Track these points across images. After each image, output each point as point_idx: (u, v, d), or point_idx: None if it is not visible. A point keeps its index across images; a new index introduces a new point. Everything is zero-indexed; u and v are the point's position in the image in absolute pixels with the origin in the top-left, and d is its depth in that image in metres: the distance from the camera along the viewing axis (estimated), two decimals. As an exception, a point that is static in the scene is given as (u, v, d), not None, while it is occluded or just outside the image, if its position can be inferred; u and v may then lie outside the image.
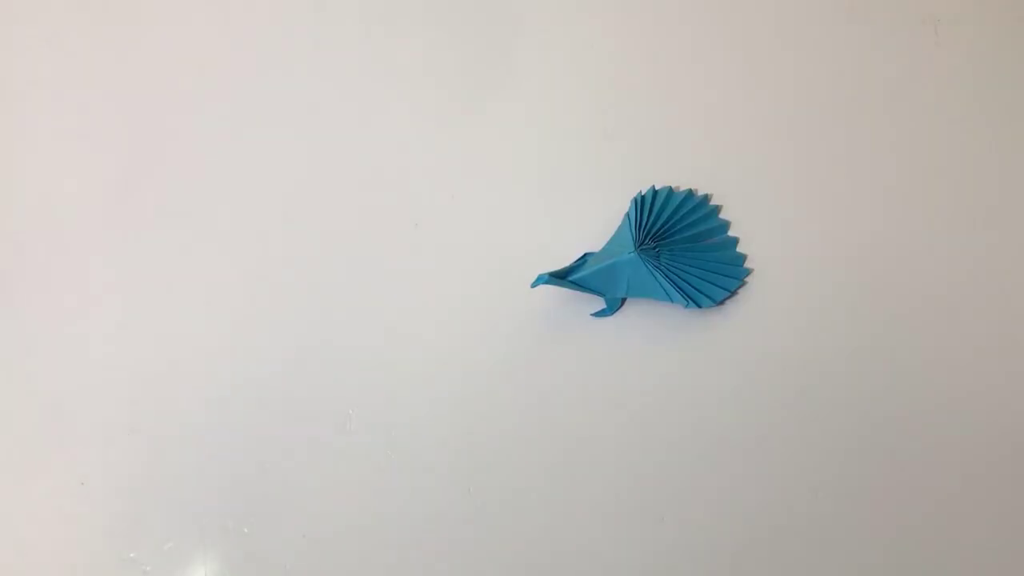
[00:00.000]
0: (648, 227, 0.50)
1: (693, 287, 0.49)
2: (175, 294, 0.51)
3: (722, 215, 0.53)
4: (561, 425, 0.49)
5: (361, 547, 0.48)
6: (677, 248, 0.51)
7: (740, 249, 0.52)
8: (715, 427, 0.49)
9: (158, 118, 0.54)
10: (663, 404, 0.49)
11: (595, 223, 0.51)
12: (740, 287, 0.51)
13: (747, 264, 0.52)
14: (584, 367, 0.50)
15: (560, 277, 0.47)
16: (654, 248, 0.50)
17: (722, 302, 0.50)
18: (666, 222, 0.51)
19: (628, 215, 0.51)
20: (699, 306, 0.49)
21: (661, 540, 0.48)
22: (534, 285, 0.46)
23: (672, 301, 0.49)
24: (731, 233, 0.53)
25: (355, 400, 0.50)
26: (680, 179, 0.53)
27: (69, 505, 0.48)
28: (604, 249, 0.51)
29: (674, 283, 0.49)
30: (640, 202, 0.51)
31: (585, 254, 0.50)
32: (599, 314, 0.50)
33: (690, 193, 0.53)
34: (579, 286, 0.48)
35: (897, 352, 0.49)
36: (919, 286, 0.50)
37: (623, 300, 0.51)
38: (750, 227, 0.52)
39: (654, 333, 0.50)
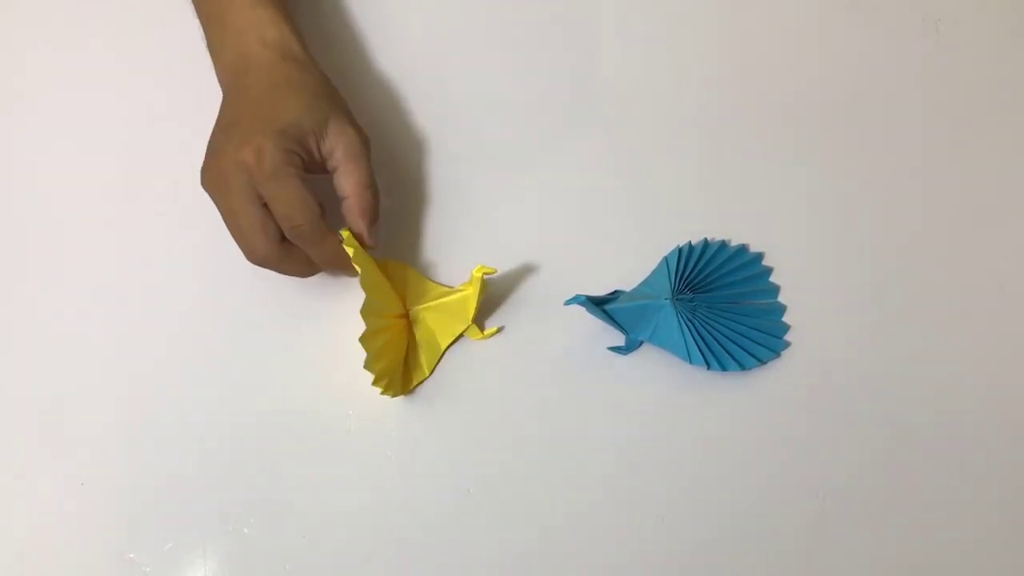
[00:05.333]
0: (688, 277, 0.49)
1: (724, 349, 0.48)
2: (175, 293, 0.51)
3: (773, 277, 0.51)
4: (561, 427, 0.49)
5: (361, 547, 0.48)
6: (716, 305, 0.49)
7: (786, 318, 0.50)
8: (716, 442, 0.49)
9: (162, 116, 0.54)
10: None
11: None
12: (773, 358, 0.50)
13: (788, 335, 0.50)
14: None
15: (595, 303, 0.46)
16: (691, 300, 0.49)
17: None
18: (710, 274, 0.49)
19: (667, 260, 0.50)
20: (724, 369, 0.48)
21: (661, 540, 0.48)
22: (568, 303, 0.46)
23: (691, 363, 0.47)
24: (780, 299, 0.51)
25: (355, 400, 0.50)
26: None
27: (69, 505, 0.48)
28: (637, 289, 0.50)
29: (702, 341, 0.47)
30: (685, 251, 0.50)
31: (616, 290, 0.49)
32: (615, 349, 0.50)
33: (742, 248, 0.51)
34: (609, 316, 0.47)
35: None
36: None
37: (642, 342, 0.50)
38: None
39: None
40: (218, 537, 0.48)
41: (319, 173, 0.47)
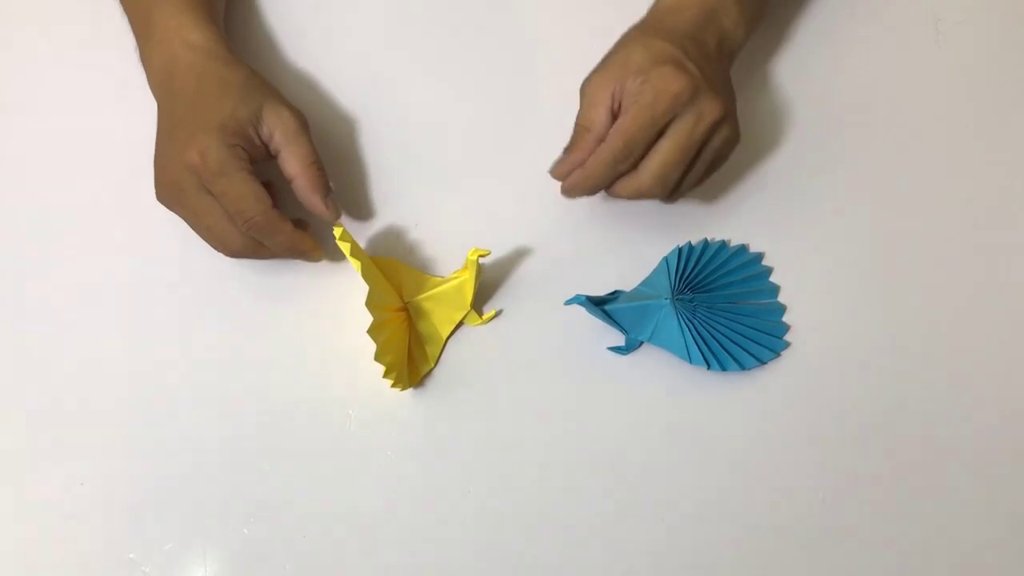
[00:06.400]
0: (688, 277, 0.49)
1: (724, 349, 0.48)
2: (175, 294, 0.51)
3: (774, 277, 0.51)
4: (561, 427, 0.49)
5: (361, 547, 0.48)
6: (717, 306, 0.49)
7: (785, 318, 0.50)
8: (716, 442, 0.49)
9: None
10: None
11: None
12: (773, 358, 0.50)
13: (788, 335, 0.50)
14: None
15: (595, 303, 0.46)
16: (691, 300, 0.49)
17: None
18: (710, 274, 0.49)
19: (667, 260, 0.50)
20: (724, 369, 0.48)
21: (661, 540, 0.48)
22: (568, 303, 0.46)
23: (691, 363, 0.47)
24: (780, 299, 0.51)
25: (355, 400, 0.50)
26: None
27: (69, 505, 0.48)
28: (637, 289, 0.50)
29: (701, 341, 0.47)
30: (685, 251, 0.50)
31: (616, 290, 0.49)
32: (615, 349, 0.50)
33: (742, 248, 0.51)
34: (609, 317, 0.47)
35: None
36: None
37: (642, 342, 0.50)
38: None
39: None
40: (218, 537, 0.48)
41: (265, 160, 0.48)
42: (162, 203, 0.47)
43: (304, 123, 0.48)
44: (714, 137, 0.44)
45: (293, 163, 0.47)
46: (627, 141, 0.43)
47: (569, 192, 0.47)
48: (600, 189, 0.46)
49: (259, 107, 0.46)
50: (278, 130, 0.47)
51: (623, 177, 0.45)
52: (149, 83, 0.49)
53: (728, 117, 0.44)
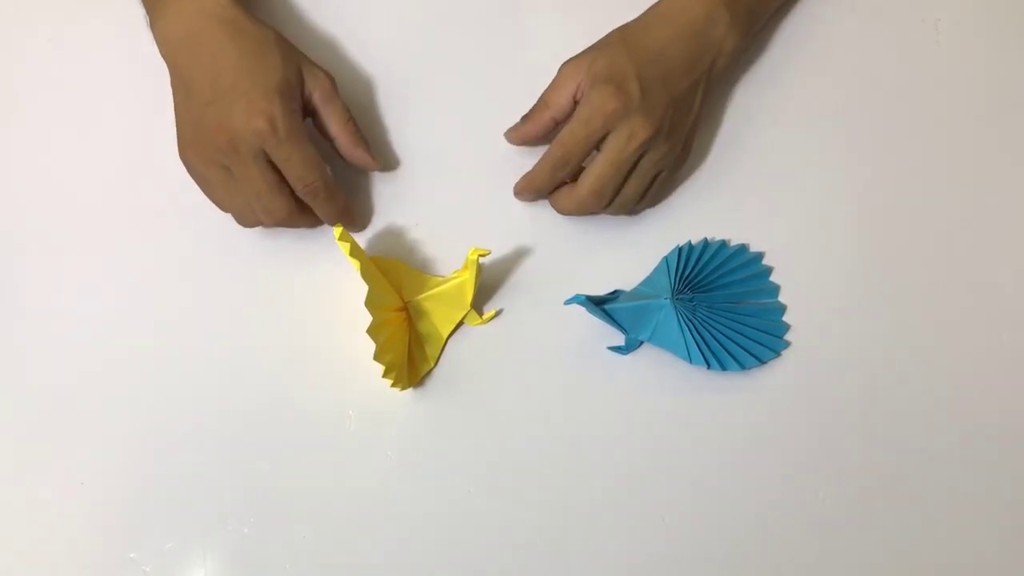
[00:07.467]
0: (688, 277, 0.49)
1: (724, 348, 0.48)
2: (175, 295, 0.51)
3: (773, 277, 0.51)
4: (561, 427, 0.49)
5: (361, 547, 0.48)
6: (717, 305, 0.49)
7: (786, 318, 0.50)
8: (716, 442, 0.49)
9: (163, 115, 0.54)
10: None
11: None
12: (774, 358, 0.50)
13: (788, 335, 0.50)
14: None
15: (595, 303, 0.46)
16: (691, 300, 0.49)
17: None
18: (710, 274, 0.49)
19: (667, 260, 0.50)
20: (724, 369, 0.48)
21: (661, 540, 0.48)
22: (568, 303, 0.46)
23: (691, 363, 0.47)
24: (780, 299, 0.51)
25: (355, 400, 0.50)
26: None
27: (69, 505, 0.48)
28: (636, 289, 0.50)
29: (702, 341, 0.47)
30: (685, 251, 0.50)
31: (616, 290, 0.49)
32: (615, 349, 0.50)
33: (742, 248, 0.51)
34: (609, 316, 0.47)
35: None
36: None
37: (642, 342, 0.50)
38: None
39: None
40: (218, 537, 0.48)
41: (303, 119, 0.48)
42: (199, 169, 0.46)
43: (334, 81, 0.49)
44: (647, 155, 0.47)
45: (333, 122, 0.49)
46: (564, 151, 0.47)
47: (519, 195, 0.51)
48: (545, 192, 0.50)
49: (299, 67, 0.47)
50: (317, 91, 0.48)
51: (565, 190, 0.49)
52: (163, 48, 0.48)
53: (658, 136, 0.46)
